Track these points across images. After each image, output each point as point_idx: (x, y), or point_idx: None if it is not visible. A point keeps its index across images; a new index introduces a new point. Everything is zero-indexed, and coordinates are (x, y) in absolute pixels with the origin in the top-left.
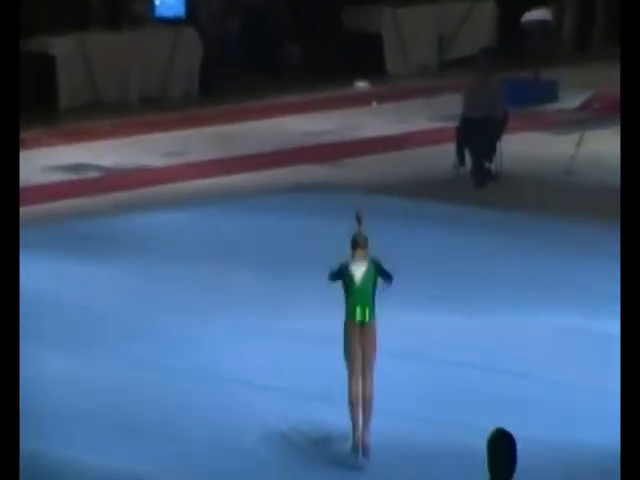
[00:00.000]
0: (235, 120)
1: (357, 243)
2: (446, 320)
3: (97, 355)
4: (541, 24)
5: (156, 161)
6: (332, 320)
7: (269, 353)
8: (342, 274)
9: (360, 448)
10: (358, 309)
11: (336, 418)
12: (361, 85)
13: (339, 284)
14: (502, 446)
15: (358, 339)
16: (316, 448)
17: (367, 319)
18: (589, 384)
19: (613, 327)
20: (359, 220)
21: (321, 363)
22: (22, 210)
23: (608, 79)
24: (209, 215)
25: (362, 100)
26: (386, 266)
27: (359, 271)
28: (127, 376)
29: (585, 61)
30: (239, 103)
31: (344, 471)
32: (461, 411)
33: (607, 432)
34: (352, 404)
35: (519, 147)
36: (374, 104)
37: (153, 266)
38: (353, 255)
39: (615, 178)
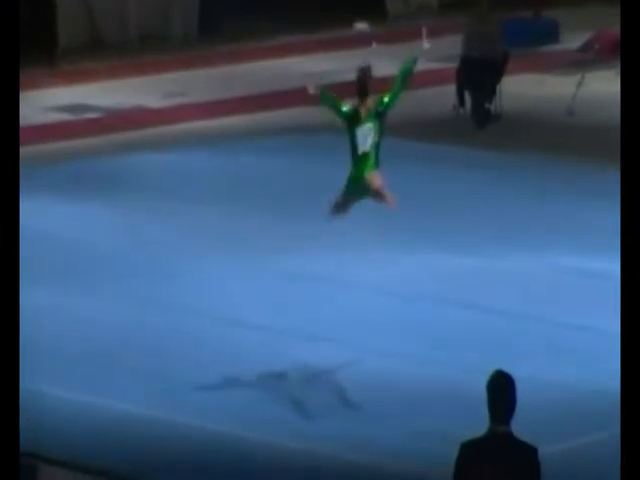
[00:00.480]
0: (235, 61)
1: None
2: (446, 260)
3: (93, 293)
4: None
5: (156, 102)
6: (326, 260)
7: (265, 293)
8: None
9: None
10: (360, 173)
11: (326, 357)
12: (361, 26)
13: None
14: (502, 387)
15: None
16: (305, 386)
17: (371, 181)
18: (588, 325)
19: (614, 268)
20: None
21: (312, 302)
22: (22, 150)
23: (609, 20)
24: (208, 156)
25: (362, 41)
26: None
27: (363, 135)
28: (122, 313)
29: (586, 1)
30: (239, 44)
31: (337, 409)
32: (460, 351)
33: (606, 373)
34: None
35: (519, 88)
36: (374, 45)
37: (151, 206)
38: (353, 121)
39: (616, 118)
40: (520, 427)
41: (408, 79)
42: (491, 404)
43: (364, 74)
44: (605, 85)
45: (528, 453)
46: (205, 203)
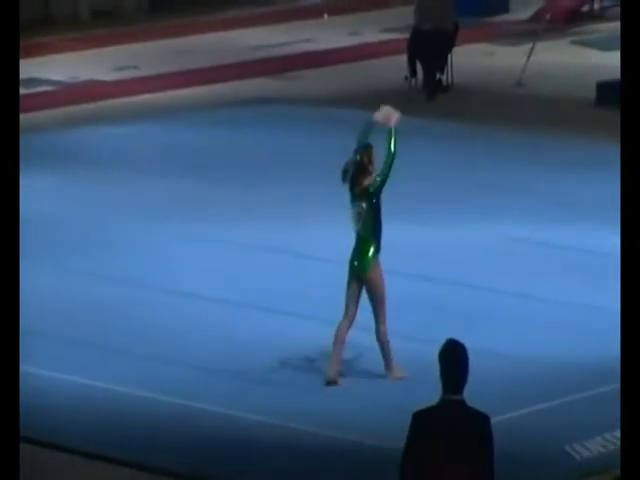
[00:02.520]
0: (187, 34)
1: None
2: (399, 231)
3: (44, 266)
4: None
5: (108, 75)
6: (279, 230)
7: (218, 264)
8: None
9: (329, 380)
10: (356, 259)
11: (281, 329)
12: None
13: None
14: (454, 356)
15: (356, 289)
16: (260, 359)
17: (365, 273)
18: (539, 294)
19: (564, 237)
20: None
21: (270, 274)
22: None
23: None
24: (160, 128)
25: (313, 13)
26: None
27: (356, 212)
28: (75, 287)
29: None
30: (190, 17)
31: (290, 381)
32: (413, 322)
33: (558, 343)
34: (334, 342)
35: (470, 58)
36: (325, 16)
37: (103, 179)
38: (352, 193)
39: (565, 89)
40: (473, 396)
41: (392, 158)
42: (443, 373)
43: (367, 158)
44: (555, 55)
45: (480, 421)
46: (158, 175)
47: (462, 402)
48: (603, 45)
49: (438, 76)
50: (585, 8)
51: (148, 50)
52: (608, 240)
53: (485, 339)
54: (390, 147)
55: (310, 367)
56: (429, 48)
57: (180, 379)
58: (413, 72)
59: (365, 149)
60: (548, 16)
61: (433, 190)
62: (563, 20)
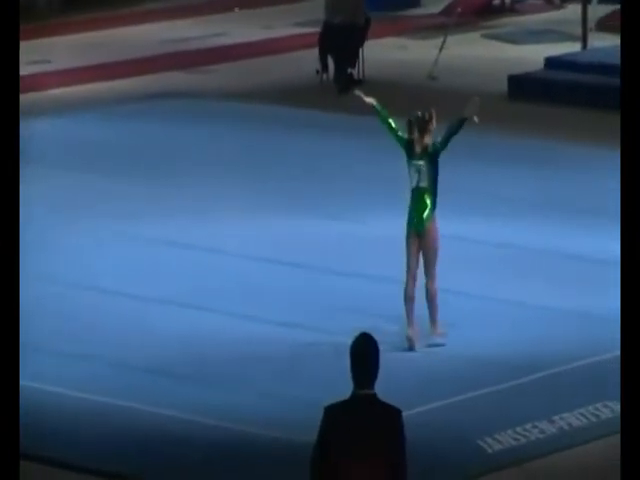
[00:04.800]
0: (98, 28)
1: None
2: (312, 225)
3: None
4: None
5: (21, 69)
6: (188, 225)
7: (127, 260)
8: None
9: (410, 341)
10: (414, 215)
11: (191, 324)
12: None
13: None
14: (365, 350)
15: (416, 245)
16: (170, 354)
17: (423, 227)
18: (457, 288)
19: (483, 231)
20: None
21: (176, 268)
22: None
23: None
24: (71, 122)
25: (225, 6)
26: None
27: (416, 169)
28: None
29: None
30: (102, 11)
31: (203, 377)
32: (328, 316)
33: (477, 337)
34: (405, 301)
35: (382, 52)
36: (237, 10)
37: None
38: (410, 154)
39: (477, 82)
40: (387, 390)
41: (457, 132)
42: (354, 367)
43: (429, 116)
44: (467, 49)
45: (392, 415)
46: (65, 169)
47: (373, 396)
48: (515, 38)
49: (349, 70)
50: (496, 2)
51: (60, 44)
52: (524, 233)
53: (396, 332)
54: (458, 124)
55: (224, 362)
56: (340, 42)
57: (92, 375)
58: (324, 66)
59: (430, 110)
60: (459, 10)
61: (345, 184)
62: (474, 14)
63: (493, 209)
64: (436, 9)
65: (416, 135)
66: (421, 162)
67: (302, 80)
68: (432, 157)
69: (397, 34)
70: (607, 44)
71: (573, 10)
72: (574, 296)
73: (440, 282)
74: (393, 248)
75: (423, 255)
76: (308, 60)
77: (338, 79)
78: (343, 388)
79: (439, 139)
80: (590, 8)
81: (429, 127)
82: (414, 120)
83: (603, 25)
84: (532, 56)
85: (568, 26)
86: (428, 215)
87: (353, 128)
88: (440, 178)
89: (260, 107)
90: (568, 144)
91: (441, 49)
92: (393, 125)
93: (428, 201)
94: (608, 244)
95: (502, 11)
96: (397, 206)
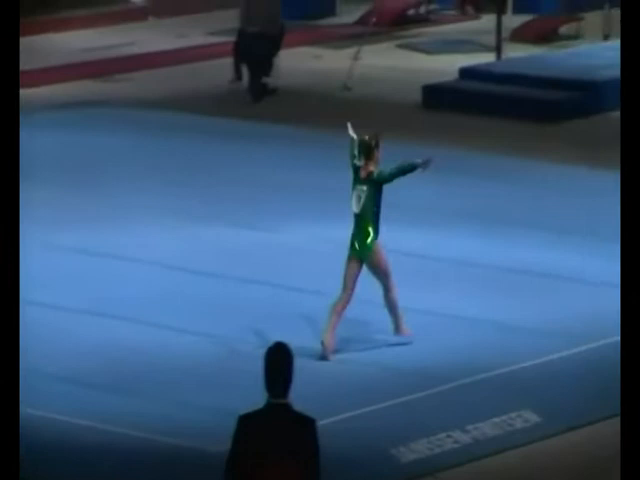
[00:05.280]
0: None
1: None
2: (229, 234)
3: None
4: None
5: None
6: (104, 234)
7: (43, 267)
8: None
9: (324, 348)
10: (356, 241)
11: (106, 332)
12: (137, 0)
13: None
14: (278, 359)
15: (355, 268)
16: (84, 363)
17: (366, 254)
18: (370, 298)
19: (394, 240)
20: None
21: (94, 277)
22: None
23: None
24: None
25: (139, 15)
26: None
27: (356, 195)
28: None
29: None
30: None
31: (115, 385)
32: (244, 326)
33: (385, 347)
34: (330, 312)
35: (296, 62)
36: (151, 19)
37: None
38: (355, 178)
39: (392, 92)
40: (303, 399)
41: (409, 170)
42: (268, 376)
43: (375, 142)
44: (382, 58)
45: (305, 424)
46: None
47: (287, 405)
48: (429, 49)
49: (264, 79)
50: (411, 12)
51: None
52: (437, 243)
53: (312, 342)
54: (410, 167)
55: (142, 372)
56: (255, 51)
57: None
58: (239, 75)
59: (374, 133)
60: (374, 19)
61: (260, 193)
62: (389, 23)
63: (405, 218)
64: (351, 19)
65: (362, 160)
66: (364, 187)
67: (217, 89)
68: (376, 185)
69: (312, 43)
70: (521, 54)
71: (488, 20)
72: (488, 305)
73: (357, 292)
74: (308, 257)
75: (374, 275)
76: (223, 69)
77: (252, 88)
78: (259, 397)
79: (387, 170)
80: (505, 18)
81: (374, 153)
82: (360, 144)
83: (517, 35)
84: (447, 66)
85: (483, 36)
86: (371, 242)
87: (268, 136)
88: (346, 188)
89: (176, 116)
90: (482, 154)
91: (355, 59)
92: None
93: (370, 228)
94: (522, 253)
95: (417, 21)
96: (312, 215)
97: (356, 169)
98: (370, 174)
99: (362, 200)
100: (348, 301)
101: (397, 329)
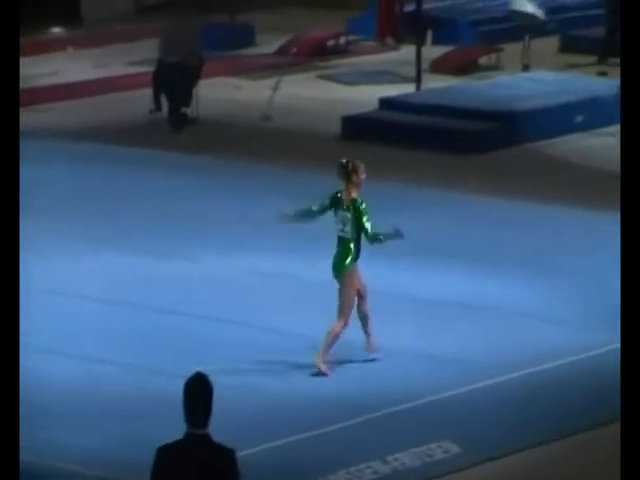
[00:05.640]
0: None
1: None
2: (142, 264)
3: None
4: None
5: None
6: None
7: None
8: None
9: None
10: (335, 262)
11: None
12: (56, 31)
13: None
14: (197, 390)
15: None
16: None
17: (340, 273)
18: (287, 328)
19: (308, 272)
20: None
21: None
22: None
23: (306, 23)
24: None
25: (57, 46)
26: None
27: (341, 220)
28: None
29: (283, 5)
30: None
31: (37, 415)
32: (159, 356)
33: (303, 377)
34: (327, 334)
35: (216, 92)
36: (70, 50)
37: None
38: (338, 200)
39: (311, 122)
40: (221, 430)
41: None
42: (187, 407)
43: (353, 167)
44: (302, 89)
45: (225, 455)
46: None
47: (207, 436)
48: (349, 79)
49: (183, 109)
50: (331, 43)
51: None
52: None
53: (231, 372)
54: (386, 237)
55: (58, 402)
56: (174, 81)
57: None
58: (158, 105)
59: (354, 161)
60: (294, 50)
61: (177, 222)
62: (309, 54)
63: (328, 249)
64: (271, 49)
65: (344, 185)
66: (347, 214)
67: (136, 119)
68: (356, 212)
69: (232, 74)
70: (441, 85)
71: (407, 51)
72: (409, 336)
73: (274, 323)
74: (226, 287)
75: (338, 297)
76: (142, 99)
77: (172, 118)
78: (179, 428)
79: (376, 233)
80: (424, 49)
81: (353, 179)
82: (338, 168)
83: (437, 66)
84: (366, 97)
85: (402, 67)
86: (345, 267)
87: (188, 167)
88: (265, 218)
89: (95, 146)
90: (400, 185)
91: (275, 89)
92: (314, 211)
93: (348, 254)
94: (441, 284)
95: (337, 52)
96: (231, 245)
97: (334, 198)
98: (353, 201)
99: (346, 225)
100: (344, 326)
101: (368, 342)
